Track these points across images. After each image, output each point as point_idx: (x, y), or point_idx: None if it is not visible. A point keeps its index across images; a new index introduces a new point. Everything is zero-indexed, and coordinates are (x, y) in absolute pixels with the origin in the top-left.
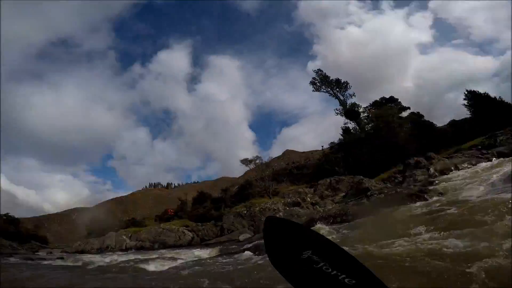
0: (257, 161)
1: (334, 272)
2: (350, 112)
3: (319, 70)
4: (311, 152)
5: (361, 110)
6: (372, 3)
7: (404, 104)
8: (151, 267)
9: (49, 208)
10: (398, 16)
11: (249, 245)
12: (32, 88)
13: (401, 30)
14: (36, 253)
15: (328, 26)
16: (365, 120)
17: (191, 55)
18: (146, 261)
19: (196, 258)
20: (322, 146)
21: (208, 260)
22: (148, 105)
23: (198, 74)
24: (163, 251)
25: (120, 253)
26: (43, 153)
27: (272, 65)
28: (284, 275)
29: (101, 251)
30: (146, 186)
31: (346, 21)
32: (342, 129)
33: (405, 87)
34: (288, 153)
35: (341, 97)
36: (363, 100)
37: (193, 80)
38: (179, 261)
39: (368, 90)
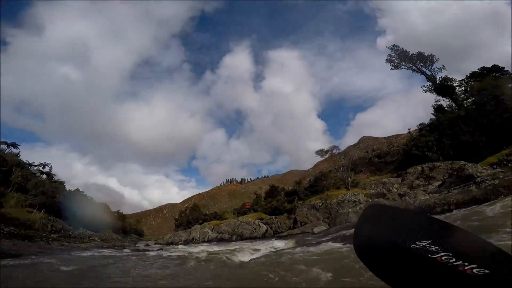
0: (334, 151)
1: (459, 262)
2: (442, 87)
3: (394, 45)
4: (394, 136)
5: (455, 84)
6: None
7: None
8: (244, 257)
9: (147, 205)
10: None
11: (329, 237)
12: (131, 105)
13: None
14: (136, 245)
15: None
16: (463, 95)
17: (251, 54)
18: (234, 252)
19: (274, 249)
20: (409, 129)
21: (289, 250)
22: (222, 107)
23: (261, 71)
24: (242, 242)
25: (205, 244)
26: (143, 159)
27: (334, 49)
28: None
29: (187, 242)
30: (223, 182)
31: None
32: (434, 107)
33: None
34: (364, 140)
35: (428, 72)
36: (454, 73)
37: (257, 78)
38: (262, 252)
39: (459, 61)
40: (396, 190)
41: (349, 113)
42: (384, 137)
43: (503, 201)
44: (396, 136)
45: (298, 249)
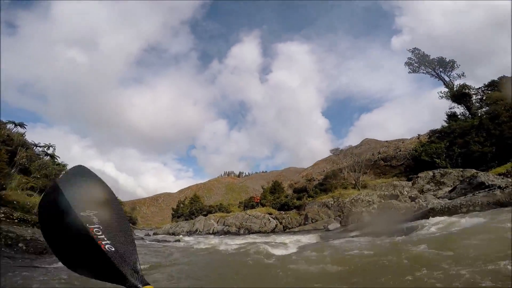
0: (348, 151)
1: (103, 237)
2: (458, 95)
3: (416, 48)
4: (402, 141)
5: (472, 92)
6: None
7: None
8: (276, 251)
9: (141, 192)
10: None
11: (351, 233)
12: (135, 91)
13: None
14: (136, 234)
15: None
16: (478, 104)
17: (260, 46)
18: (265, 245)
19: (302, 243)
20: (419, 135)
21: (324, 243)
22: (226, 98)
23: (269, 63)
24: (253, 235)
25: (219, 236)
26: (142, 144)
27: (346, 46)
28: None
29: (190, 233)
30: (221, 174)
31: None
32: (447, 114)
33: None
34: (367, 142)
35: (447, 78)
36: (471, 78)
37: (264, 70)
38: (294, 246)
39: (477, 66)
40: (407, 193)
41: (354, 113)
42: (387, 141)
43: None
44: (401, 140)
45: (330, 243)
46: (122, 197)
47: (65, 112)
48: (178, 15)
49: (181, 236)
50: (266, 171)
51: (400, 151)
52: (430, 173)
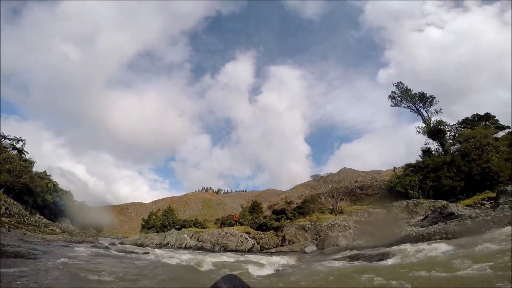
0: (327, 178)
1: None
2: (434, 131)
3: (400, 82)
4: (377, 172)
5: (447, 129)
6: (453, 2)
7: (502, 121)
8: (256, 271)
9: (111, 199)
10: (488, 14)
11: (337, 256)
12: (121, 94)
13: (494, 30)
14: (99, 242)
15: (402, 29)
16: (450, 141)
17: (254, 66)
18: (246, 263)
19: (281, 265)
20: (394, 168)
21: (303, 266)
22: (213, 113)
23: (260, 84)
24: (228, 253)
25: (194, 252)
26: (119, 150)
27: (335, 76)
28: None
29: (160, 246)
30: (199, 189)
31: (423, 22)
32: (423, 150)
33: (502, 98)
34: (345, 171)
35: (425, 113)
36: (446, 114)
37: (254, 91)
38: (274, 266)
39: (454, 102)
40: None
41: (335, 142)
42: (363, 171)
43: (494, 233)
44: (378, 172)
45: (312, 266)
46: (89, 202)
47: (43, 105)
48: (180, 24)
49: (148, 249)
50: (245, 190)
51: (376, 181)
52: (404, 202)
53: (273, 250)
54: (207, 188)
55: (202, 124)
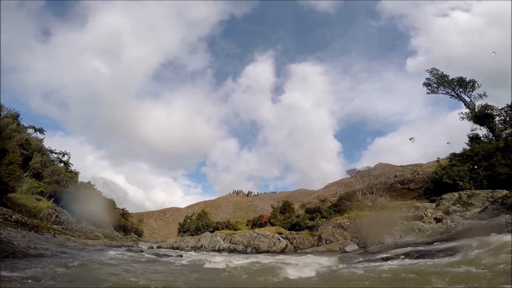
0: (365, 172)
1: None
2: (481, 115)
3: (434, 68)
4: (417, 165)
5: (495, 112)
6: None
7: None
8: (295, 272)
9: (149, 205)
10: None
11: (387, 254)
12: (150, 104)
13: None
14: (139, 246)
15: (426, 15)
16: (501, 125)
17: (274, 66)
18: (281, 265)
19: (328, 265)
20: (438, 158)
21: (344, 269)
22: (238, 117)
23: (282, 84)
24: (262, 255)
25: (219, 254)
26: (154, 159)
27: (360, 69)
28: None
29: (195, 249)
30: (230, 193)
31: (446, 6)
32: (469, 137)
33: None
34: (381, 166)
35: (467, 99)
36: (492, 98)
37: (277, 90)
38: (314, 267)
39: (498, 86)
40: (430, 214)
41: (368, 137)
42: (401, 166)
43: None
44: (418, 165)
45: (361, 265)
46: (130, 209)
47: (84, 121)
48: (196, 31)
49: (182, 252)
50: (275, 192)
51: (418, 174)
52: (456, 194)
53: (308, 251)
54: (237, 191)
55: (228, 128)
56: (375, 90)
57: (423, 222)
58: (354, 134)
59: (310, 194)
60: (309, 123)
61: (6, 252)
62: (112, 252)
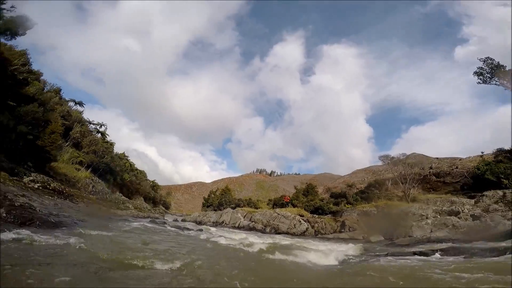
0: (400, 160)
1: None
2: None
3: (488, 58)
4: (456, 158)
5: None
6: None
7: None
8: (319, 259)
9: (177, 179)
10: None
11: (418, 248)
12: (180, 81)
13: None
14: (164, 218)
15: (482, 3)
16: None
17: (304, 46)
18: (302, 249)
19: (353, 254)
20: (482, 153)
21: (372, 260)
22: (264, 95)
23: (312, 65)
24: (281, 236)
25: (245, 232)
26: (183, 133)
27: (399, 55)
28: None
29: (216, 224)
30: (253, 171)
31: None
32: None
33: None
34: (415, 156)
35: None
36: None
37: (306, 72)
38: (338, 255)
39: None
40: (467, 211)
41: (402, 124)
42: (437, 158)
43: None
44: (456, 158)
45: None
46: (159, 182)
47: (119, 96)
48: (223, 10)
49: (203, 226)
50: (298, 173)
51: (456, 168)
52: (500, 192)
53: (330, 236)
54: (261, 170)
55: (254, 107)
56: (415, 77)
57: (459, 218)
58: (388, 120)
59: (335, 179)
60: (338, 106)
61: (24, 219)
62: (135, 223)
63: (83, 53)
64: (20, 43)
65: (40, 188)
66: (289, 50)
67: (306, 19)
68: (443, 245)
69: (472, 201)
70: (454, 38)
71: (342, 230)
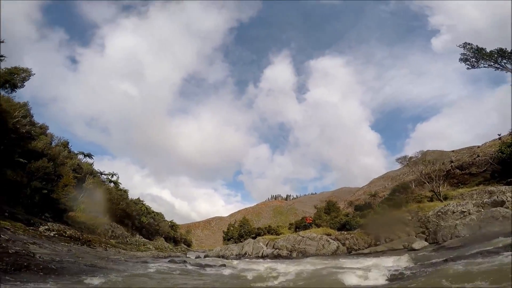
0: (419, 158)
1: None
2: None
3: (467, 43)
4: (472, 148)
5: None
6: None
7: None
8: (360, 280)
9: (195, 216)
10: None
11: (482, 248)
12: (181, 120)
13: None
14: (187, 256)
15: None
16: None
17: (292, 65)
18: (337, 270)
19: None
20: (499, 135)
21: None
22: (265, 121)
23: (304, 82)
24: (311, 259)
25: (263, 261)
26: (192, 172)
27: (383, 56)
28: None
29: (239, 257)
30: (268, 198)
31: None
32: None
33: None
34: (430, 153)
35: None
36: None
37: (300, 90)
38: (382, 272)
39: None
40: (511, 199)
41: (408, 124)
42: (453, 150)
43: None
44: (472, 148)
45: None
46: (177, 221)
47: (125, 144)
48: (209, 42)
49: (226, 261)
50: (315, 193)
51: (478, 156)
52: None
53: (366, 251)
54: (275, 196)
55: (258, 134)
56: (404, 76)
57: (506, 208)
58: (392, 122)
59: (354, 192)
60: (340, 118)
61: (18, 266)
62: (153, 264)
63: (85, 103)
64: (20, 96)
65: (56, 236)
66: (279, 71)
67: (286, 37)
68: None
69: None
70: (426, 31)
71: (378, 242)
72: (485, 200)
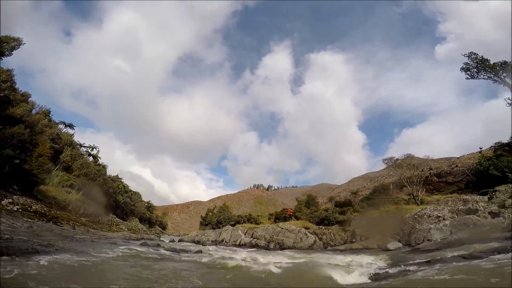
0: (405, 161)
1: None
2: None
3: (472, 53)
4: (451, 158)
5: None
6: None
7: None
8: (342, 277)
9: (174, 198)
10: None
11: (458, 252)
12: (173, 99)
13: None
14: (160, 239)
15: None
16: None
17: (292, 56)
18: (318, 265)
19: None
20: (481, 148)
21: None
22: (257, 109)
23: (301, 74)
24: (286, 252)
25: (249, 250)
26: (177, 152)
27: (384, 57)
28: None
29: (215, 243)
30: (250, 187)
31: None
32: None
33: None
34: (410, 159)
35: None
36: None
37: (296, 81)
38: (363, 270)
39: None
40: (483, 208)
41: (394, 128)
42: (432, 159)
43: None
44: (451, 158)
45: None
46: (155, 202)
47: (112, 118)
48: (210, 23)
49: (202, 247)
50: (296, 186)
51: (456, 166)
52: None
53: (341, 247)
54: (258, 185)
55: (248, 121)
56: (402, 79)
57: (478, 216)
58: (379, 125)
59: (333, 189)
60: (331, 114)
61: None
62: (122, 247)
63: (74, 76)
64: (7, 64)
65: (20, 210)
66: (278, 60)
67: (290, 27)
68: (492, 245)
69: (485, 197)
70: (433, 37)
71: (354, 240)
72: (460, 207)
